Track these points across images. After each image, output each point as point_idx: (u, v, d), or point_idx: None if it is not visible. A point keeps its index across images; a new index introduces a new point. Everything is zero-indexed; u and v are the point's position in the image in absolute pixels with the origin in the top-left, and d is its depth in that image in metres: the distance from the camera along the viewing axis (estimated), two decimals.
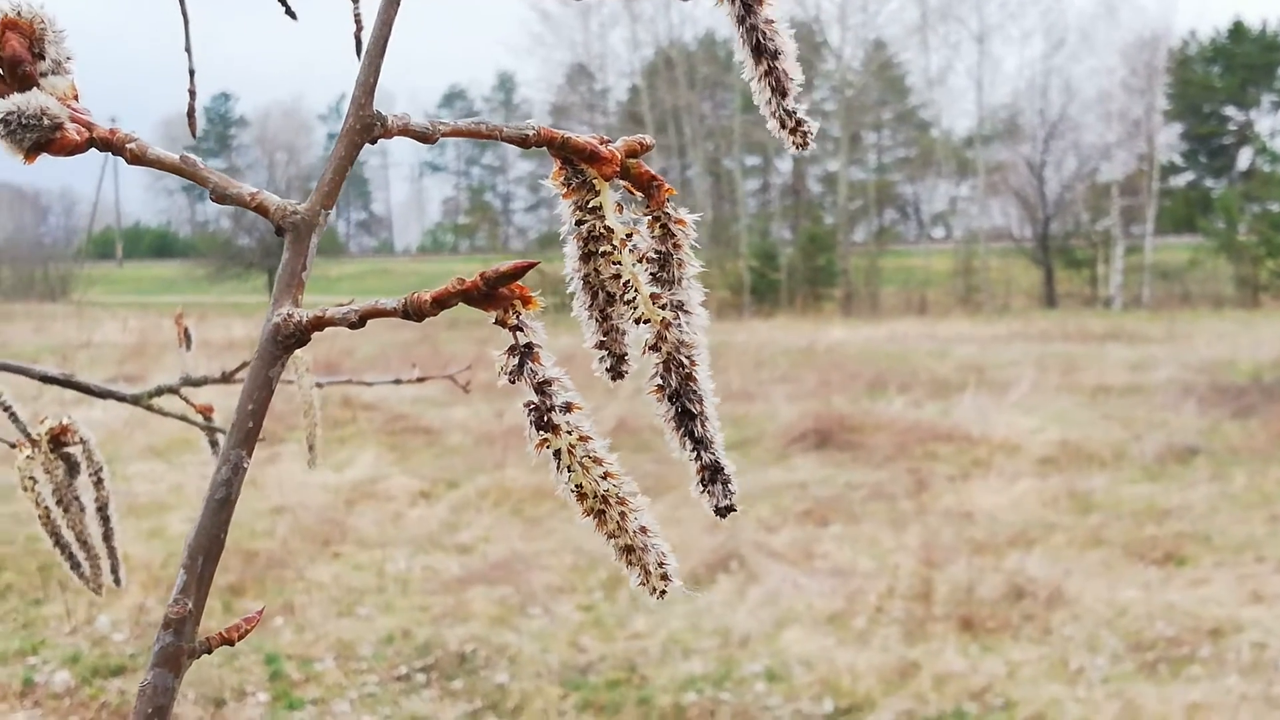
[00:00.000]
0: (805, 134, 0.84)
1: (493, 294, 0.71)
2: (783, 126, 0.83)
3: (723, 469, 0.81)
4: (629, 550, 0.78)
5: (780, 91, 0.82)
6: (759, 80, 0.83)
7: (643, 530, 0.77)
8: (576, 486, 0.76)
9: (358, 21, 1.47)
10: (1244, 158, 61.27)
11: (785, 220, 60.10)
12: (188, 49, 1.51)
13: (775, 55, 0.82)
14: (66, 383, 1.98)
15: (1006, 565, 8.64)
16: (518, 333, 0.72)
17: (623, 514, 0.77)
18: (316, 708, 6.44)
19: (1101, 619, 7.56)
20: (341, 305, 0.73)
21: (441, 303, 0.71)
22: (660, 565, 0.78)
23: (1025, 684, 6.58)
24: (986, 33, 59.32)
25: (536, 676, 6.76)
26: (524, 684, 6.65)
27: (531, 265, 0.71)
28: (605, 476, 0.76)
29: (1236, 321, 34.69)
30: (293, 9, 1.60)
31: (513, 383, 0.73)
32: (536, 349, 0.73)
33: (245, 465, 0.69)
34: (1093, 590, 8.08)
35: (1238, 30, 61.18)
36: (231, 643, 0.73)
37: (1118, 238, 51.13)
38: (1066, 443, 13.47)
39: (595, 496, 0.76)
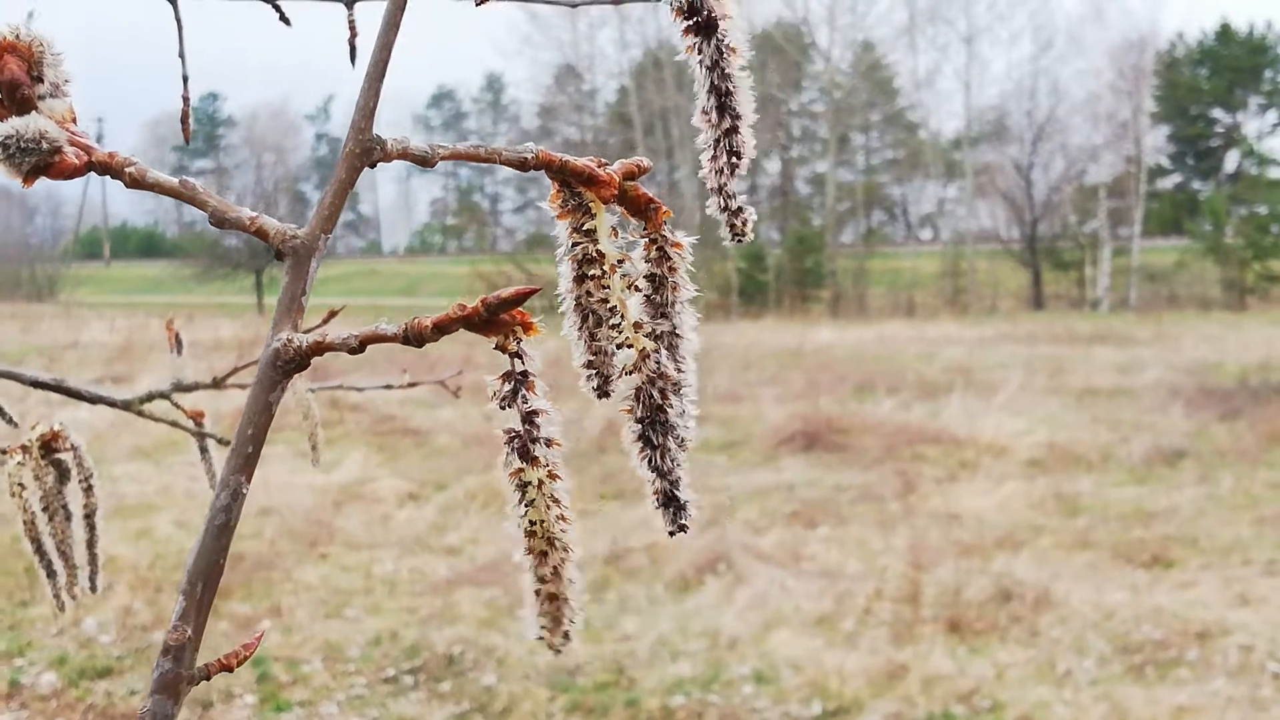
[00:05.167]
0: (744, 224, 0.83)
1: (494, 320, 0.71)
2: (722, 209, 0.83)
3: (676, 497, 0.81)
4: (552, 598, 0.79)
5: (731, 165, 0.81)
6: (717, 140, 0.82)
7: (571, 582, 0.79)
8: (530, 522, 0.77)
9: (352, 28, 1.47)
10: (1231, 160, 61.48)
11: (773, 221, 60.14)
12: (181, 55, 1.51)
13: (738, 117, 0.81)
14: (57, 388, 1.98)
15: (994, 567, 8.65)
16: (516, 360, 0.73)
17: (562, 561, 0.78)
18: (304, 709, 6.44)
19: (1089, 621, 7.58)
20: (339, 330, 0.73)
21: (442, 329, 0.71)
22: (571, 622, 0.80)
23: (1013, 686, 6.59)
24: (975, 34, 59.42)
25: (524, 679, 6.76)
26: (512, 686, 6.65)
27: (533, 291, 0.72)
28: (560, 519, 0.77)
29: (1223, 324, 34.79)
30: (286, 15, 1.60)
31: (503, 409, 0.74)
32: (531, 378, 0.74)
33: (244, 491, 0.69)
34: (1080, 593, 8.10)
35: (1225, 33, 61.34)
36: (231, 669, 0.73)
37: (1105, 240, 51.26)
38: (1054, 445, 13.50)
39: (544, 537, 0.77)
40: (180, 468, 12.05)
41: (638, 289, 0.82)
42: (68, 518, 1.80)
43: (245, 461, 0.70)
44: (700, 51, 0.80)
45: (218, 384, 2.38)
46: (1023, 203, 55.05)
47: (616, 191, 0.81)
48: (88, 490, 1.82)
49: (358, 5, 1.64)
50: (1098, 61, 56.95)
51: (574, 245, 0.82)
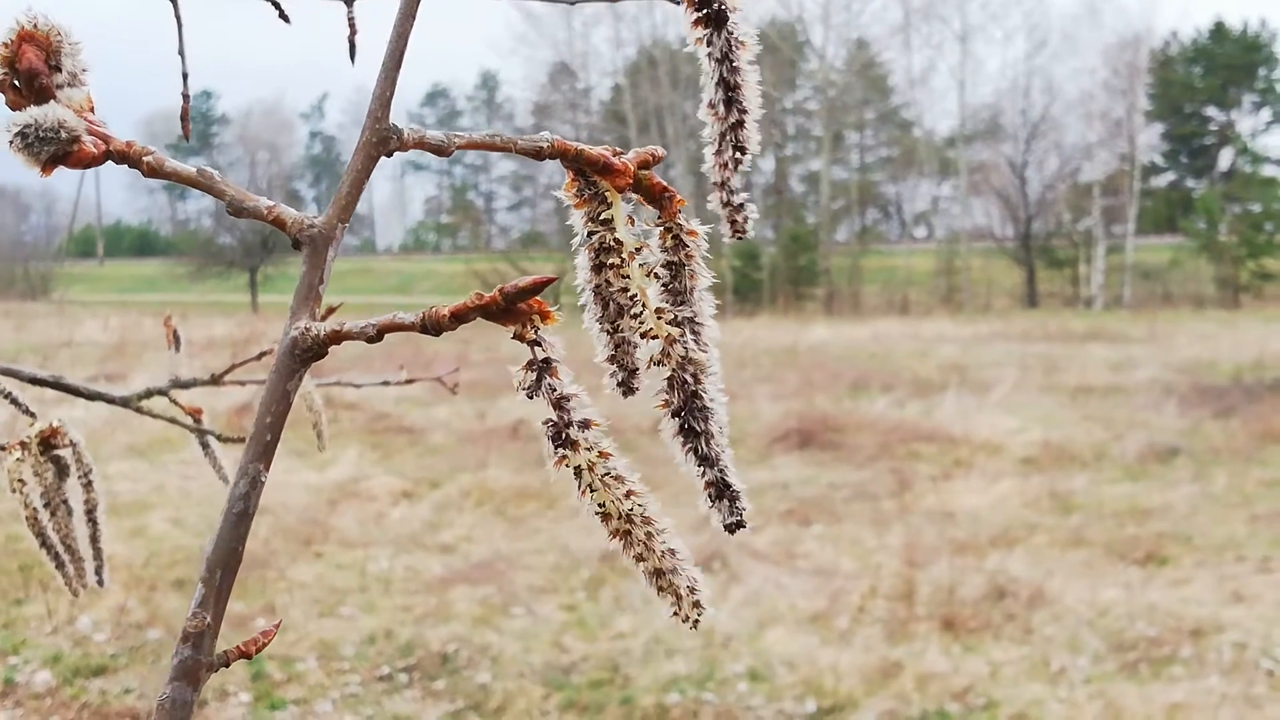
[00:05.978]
0: (745, 220, 0.83)
1: (511, 309, 0.71)
2: (724, 204, 0.83)
3: (730, 486, 0.79)
4: (659, 574, 0.76)
5: (735, 160, 0.81)
6: (722, 134, 0.81)
7: (671, 553, 0.76)
8: (600, 506, 0.75)
9: (352, 26, 1.47)
10: (1225, 158, 61.56)
11: (768, 220, 60.15)
12: (181, 52, 1.51)
13: (744, 111, 0.81)
14: (55, 385, 1.98)
15: (988, 565, 8.66)
16: (536, 348, 0.72)
17: (649, 534, 0.75)
18: (299, 708, 6.43)
19: (1083, 619, 7.58)
20: (358, 319, 0.73)
21: (460, 317, 0.71)
22: (692, 591, 0.76)
23: (1007, 684, 6.59)
24: (969, 33, 59.46)
25: (519, 676, 6.75)
26: (506, 684, 6.65)
27: (550, 281, 0.71)
28: (628, 495, 0.75)
29: (1217, 322, 34.85)
30: (285, 12, 1.59)
31: (530, 398, 0.72)
32: (554, 364, 0.72)
33: (263, 479, 0.69)
34: (1074, 590, 8.10)
35: (1219, 31, 61.42)
36: (249, 656, 0.73)
37: (1099, 238, 51.33)
38: (1048, 443, 13.51)
39: (620, 517, 0.75)
40: (174, 466, 12.03)
41: (656, 277, 0.81)
42: (69, 513, 1.81)
43: (264, 450, 0.70)
44: (710, 44, 0.80)
45: (216, 380, 2.38)
46: (1017, 201, 55.13)
47: (632, 180, 0.81)
48: (87, 486, 1.83)
49: (357, 2, 1.64)
50: (1092, 60, 57.24)
51: (591, 234, 0.81)
